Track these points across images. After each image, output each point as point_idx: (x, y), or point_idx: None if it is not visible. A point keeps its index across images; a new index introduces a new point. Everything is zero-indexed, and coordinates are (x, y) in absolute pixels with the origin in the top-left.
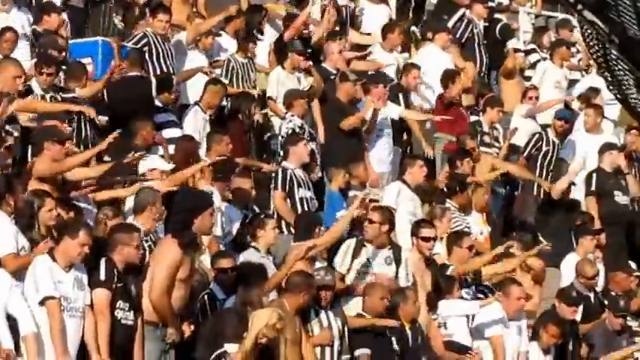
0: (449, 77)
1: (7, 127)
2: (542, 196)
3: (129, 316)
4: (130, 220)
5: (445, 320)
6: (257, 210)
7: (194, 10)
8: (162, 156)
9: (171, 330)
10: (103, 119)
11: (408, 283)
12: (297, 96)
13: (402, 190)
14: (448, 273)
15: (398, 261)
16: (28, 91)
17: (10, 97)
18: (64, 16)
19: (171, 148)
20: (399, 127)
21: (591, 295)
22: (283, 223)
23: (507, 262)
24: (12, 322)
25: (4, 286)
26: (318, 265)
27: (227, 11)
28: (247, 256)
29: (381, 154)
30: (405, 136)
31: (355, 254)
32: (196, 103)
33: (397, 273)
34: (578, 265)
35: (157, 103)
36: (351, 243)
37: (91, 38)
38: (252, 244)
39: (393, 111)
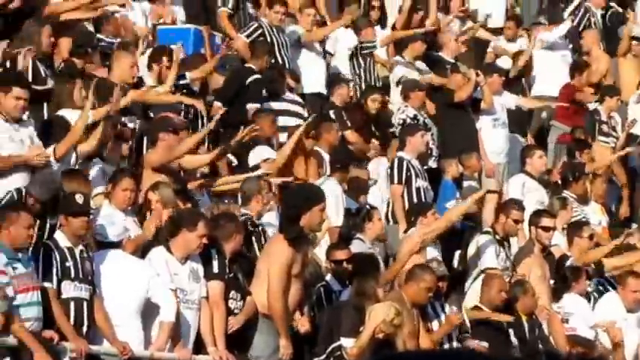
0: (577, 67)
1: (123, 119)
2: None
3: (240, 306)
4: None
5: (568, 316)
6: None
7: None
8: (272, 145)
9: (284, 342)
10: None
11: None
12: (414, 87)
13: (527, 181)
14: (568, 264)
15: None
16: (138, 83)
17: (123, 88)
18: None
19: (283, 137)
20: (519, 117)
21: None
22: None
23: (630, 255)
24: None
25: (146, 274)
26: (429, 256)
27: (347, 17)
28: (354, 247)
29: (496, 145)
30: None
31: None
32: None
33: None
34: None
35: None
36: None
37: (183, 25)
38: (358, 235)
39: (509, 100)
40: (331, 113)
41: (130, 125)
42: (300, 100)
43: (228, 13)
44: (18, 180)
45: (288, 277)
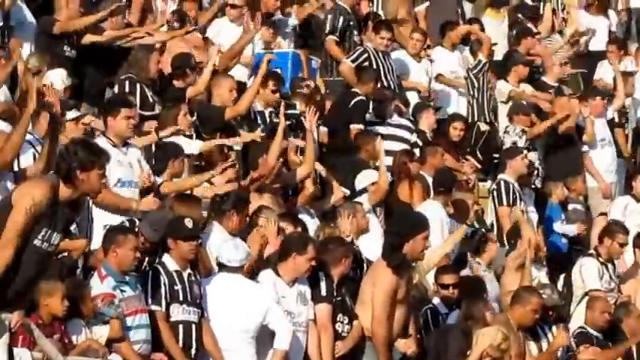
0: None
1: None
2: None
3: (348, 329)
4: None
5: None
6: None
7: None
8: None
9: None
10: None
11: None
12: (520, 111)
13: (630, 203)
14: None
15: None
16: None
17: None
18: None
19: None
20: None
21: None
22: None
23: None
24: None
25: (265, 300)
26: (537, 279)
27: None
28: (469, 271)
29: (606, 163)
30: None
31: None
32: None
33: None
34: None
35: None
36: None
37: (281, 49)
38: (476, 259)
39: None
40: (416, 137)
41: (235, 147)
42: (408, 124)
43: (335, 41)
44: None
45: (392, 304)
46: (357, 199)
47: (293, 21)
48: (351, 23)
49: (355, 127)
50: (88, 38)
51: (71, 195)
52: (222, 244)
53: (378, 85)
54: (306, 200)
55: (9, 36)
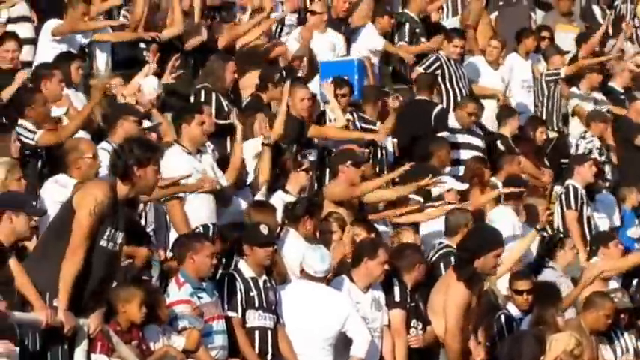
0: None
1: (304, 151)
2: None
3: (422, 335)
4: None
5: None
6: None
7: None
8: (454, 176)
9: None
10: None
11: None
12: (597, 118)
13: None
14: None
15: None
16: (320, 116)
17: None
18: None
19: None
20: None
21: None
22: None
23: None
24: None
25: (346, 308)
26: (612, 284)
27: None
28: (545, 275)
29: None
30: None
31: None
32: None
33: None
34: None
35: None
36: None
37: (346, 58)
38: (550, 263)
39: None
40: (499, 144)
41: (310, 158)
42: (479, 132)
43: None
44: (205, 213)
45: (464, 316)
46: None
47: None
48: (417, 30)
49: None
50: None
51: (128, 193)
52: (307, 252)
53: (452, 94)
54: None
55: (90, 47)
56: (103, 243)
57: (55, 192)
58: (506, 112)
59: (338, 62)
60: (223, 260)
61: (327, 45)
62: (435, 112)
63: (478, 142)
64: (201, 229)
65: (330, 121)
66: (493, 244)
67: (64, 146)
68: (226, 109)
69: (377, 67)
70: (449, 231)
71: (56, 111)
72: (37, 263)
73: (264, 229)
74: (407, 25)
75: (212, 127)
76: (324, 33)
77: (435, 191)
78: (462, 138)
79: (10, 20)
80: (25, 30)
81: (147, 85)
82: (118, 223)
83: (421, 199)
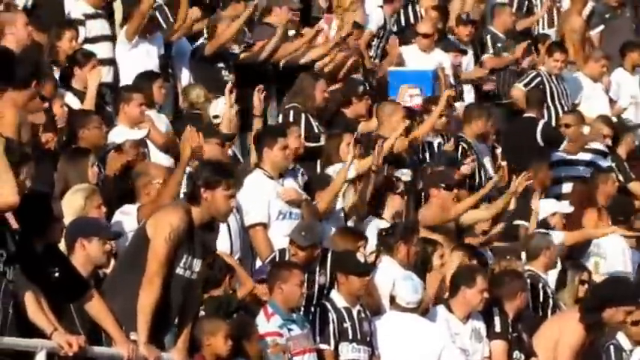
0: None
1: (397, 171)
2: None
3: None
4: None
5: None
6: None
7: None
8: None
9: None
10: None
11: None
12: None
13: None
14: None
15: None
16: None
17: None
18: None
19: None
20: None
21: None
22: None
23: None
24: None
25: (441, 340)
26: None
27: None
28: None
29: None
30: None
31: None
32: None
33: None
34: None
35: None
36: None
37: (419, 67)
38: None
39: None
40: (611, 162)
41: (404, 178)
42: (603, 148)
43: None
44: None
45: (577, 358)
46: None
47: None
48: (500, 45)
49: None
50: (244, 55)
51: (202, 218)
52: (399, 283)
53: (553, 111)
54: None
55: (172, 67)
56: (179, 271)
57: (124, 223)
58: (624, 128)
59: (410, 72)
60: None
61: (434, 65)
62: (539, 127)
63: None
64: (277, 255)
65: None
66: (628, 299)
67: (132, 171)
68: (316, 130)
69: (450, 77)
70: (529, 255)
71: (136, 134)
72: (110, 296)
73: (360, 257)
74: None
75: (301, 150)
76: (430, 53)
77: (541, 214)
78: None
79: (87, 40)
80: (104, 50)
81: (221, 105)
82: (195, 250)
83: (527, 224)
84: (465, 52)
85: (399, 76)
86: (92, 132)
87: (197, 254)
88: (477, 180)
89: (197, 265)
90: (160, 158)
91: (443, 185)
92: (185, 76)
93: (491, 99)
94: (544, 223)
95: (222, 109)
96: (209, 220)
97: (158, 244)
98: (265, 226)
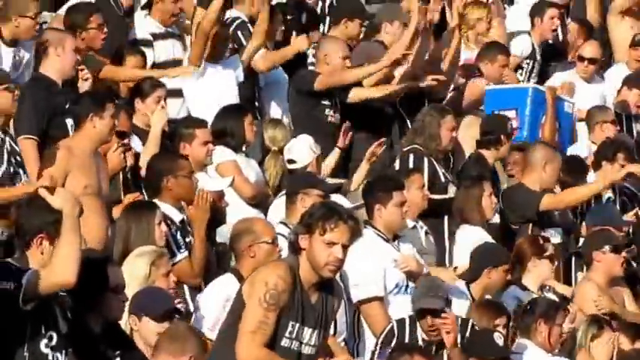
0: None
1: (543, 231)
2: None
3: None
4: None
5: None
6: None
7: None
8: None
9: None
10: None
11: None
12: None
13: None
14: None
15: None
16: None
17: None
18: None
19: None
20: None
21: None
22: None
23: None
24: None
25: None
26: None
27: None
28: None
29: None
30: None
31: None
32: None
33: None
34: None
35: None
36: None
37: (518, 85)
38: None
39: None
40: None
41: (554, 240)
42: None
43: None
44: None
45: None
46: None
47: None
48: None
49: None
50: (358, 94)
51: (313, 276)
52: None
53: None
54: None
55: (260, 99)
56: (284, 343)
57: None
58: None
59: (507, 90)
60: None
61: (596, 97)
62: None
63: None
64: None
65: None
66: None
67: (232, 231)
68: (443, 178)
69: (565, 103)
70: None
71: (216, 183)
72: None
73: (498, 340)
74: None
75: (424, 204)
76: (590, 83)
77: None
78: None
79: (154, 66)
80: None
81: (298, 147)
82: (305, 317)
83: None
84: None
85: (493, 96)
86: (181, 182)
87: (309, 323)
88: None
89: (309, 335)
90: (246, 213)
91: (609, 247)
92: (276, 112)
93: None
94: None
95: (306, 154)
96: (321, 279)
97: (252, 305)
98: (382, 300)
